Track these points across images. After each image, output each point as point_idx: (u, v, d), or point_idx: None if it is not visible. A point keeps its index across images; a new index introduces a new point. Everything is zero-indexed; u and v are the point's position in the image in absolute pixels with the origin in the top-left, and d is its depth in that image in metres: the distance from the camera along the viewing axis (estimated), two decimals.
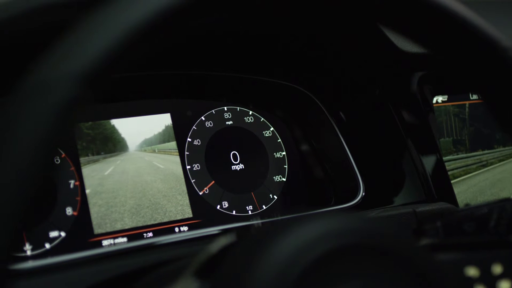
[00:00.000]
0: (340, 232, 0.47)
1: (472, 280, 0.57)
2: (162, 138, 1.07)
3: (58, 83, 0.39)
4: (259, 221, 1.03)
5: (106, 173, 1.00)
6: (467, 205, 0.70)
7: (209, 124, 1.11)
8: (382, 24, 0.59)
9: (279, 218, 1.00)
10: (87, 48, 0.40)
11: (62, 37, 0.41)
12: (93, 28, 0.41)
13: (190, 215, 1.04)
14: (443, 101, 1.16)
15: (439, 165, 1.09)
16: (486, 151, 1.20)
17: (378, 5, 0.54)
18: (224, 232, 0.95)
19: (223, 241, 0.53)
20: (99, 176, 0.99)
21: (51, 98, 0.38)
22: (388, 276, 0.47)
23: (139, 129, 1.06)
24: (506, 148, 1.21)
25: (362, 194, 1.10)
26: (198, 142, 1.09)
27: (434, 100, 1.15)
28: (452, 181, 1.11)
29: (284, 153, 1.16)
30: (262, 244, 0.45)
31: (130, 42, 0.40)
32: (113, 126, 1.04)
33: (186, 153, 1.07)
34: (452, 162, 1.14)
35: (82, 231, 0.96)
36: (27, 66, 0.41)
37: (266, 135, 1.15)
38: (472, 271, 0.57)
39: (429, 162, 1.08)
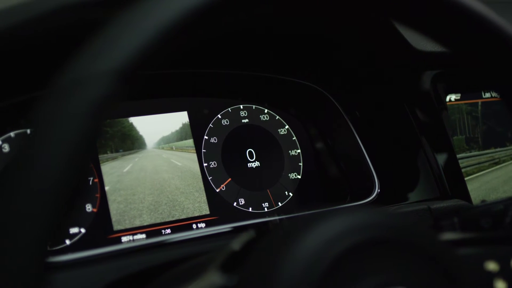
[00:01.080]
0: (365, 227, 0.47)
1: (492, 274, 0.57)
2: (180, 135, 1.08)
3: (95, 80, 0.40)
4: (277, 218, 1.03)
5: (124, 170, 1.01)
6: (483, 201, 0.71)
7: (225, 122, 1.12)
8: (400, 22, 0.59)
9: (296, 215, 1.01)
10: (123, 45, 0.41)
11: (100, 33, 0.42)
12: (129, 25, 0.41)
13: (207, 212, 1.05)
14: (456, 99, 1.17)
15: (453, 163, 1.10)
16: (498, 149, 1.20)
17: (400, 4, 0.54)
18: (241, 229, 0.96)
19: (247, 236, 0.54)
20: (118, 173, 1.00)
21: (89, 95, 0.39)
22: (412, 270, 0.47)
23: (157, 127, 1.07)
24: None
25: (378, 191, 1.10)
26: (215, 139, 1.10)
27: (447, 98, 1.15)
28: (465, 178, 1.11)
29: (299, 151, 1.16)
30: (290, 238, 0.46)
31: (166, 39, 0.41)
32: (131, 124, 1.05)
33: (203, 150, 1.08)
34: (465, 160, 1.15)
35: (101, 227, 0.97)
36: (64, 62, 0.41)
37: (282, 133, 1.16)
38: (492, 266, 0.58)
39: (443, 159, 1.09)
